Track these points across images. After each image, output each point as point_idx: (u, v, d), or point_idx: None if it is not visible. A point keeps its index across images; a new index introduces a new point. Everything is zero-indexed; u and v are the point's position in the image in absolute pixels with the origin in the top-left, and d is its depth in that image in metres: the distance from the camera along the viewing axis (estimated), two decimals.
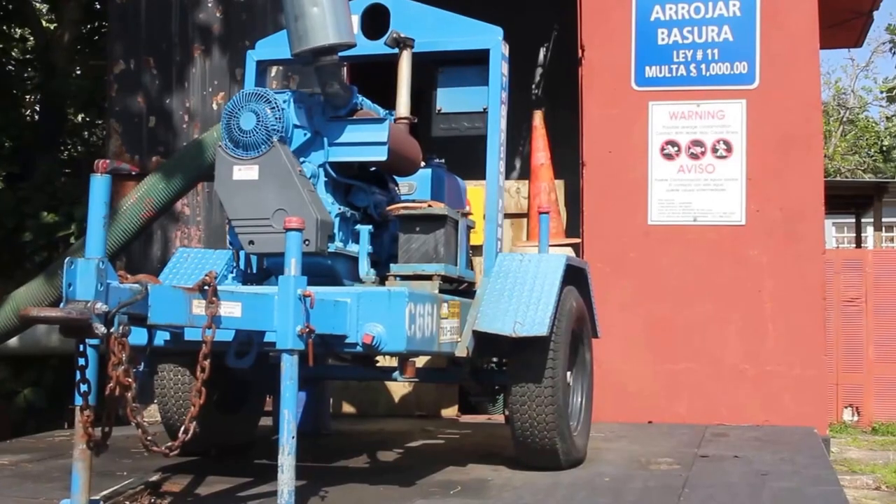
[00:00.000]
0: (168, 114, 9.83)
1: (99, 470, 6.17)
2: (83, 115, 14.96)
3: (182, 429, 4.86)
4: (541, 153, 10.06)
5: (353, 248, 6.28)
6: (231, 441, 7.18)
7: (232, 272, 6.43)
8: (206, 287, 4.87)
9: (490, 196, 6.69)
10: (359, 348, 5.56)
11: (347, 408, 9.47)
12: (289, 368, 5.16)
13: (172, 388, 6.85)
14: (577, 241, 9.51)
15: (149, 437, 4.74)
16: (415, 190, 7.11)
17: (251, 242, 6.00)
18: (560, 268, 6.43)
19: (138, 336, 4.90)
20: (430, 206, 6.36)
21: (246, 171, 5.99)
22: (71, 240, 11.89)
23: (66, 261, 4.49)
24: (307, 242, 5.78)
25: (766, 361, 9.35)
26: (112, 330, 4.44)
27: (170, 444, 4.81)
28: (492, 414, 9.52)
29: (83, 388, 4.66)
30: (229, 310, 5.05)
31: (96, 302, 4.40)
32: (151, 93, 9.89)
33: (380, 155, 6.18)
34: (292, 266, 5.22)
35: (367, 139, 6.19)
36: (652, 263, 9.50)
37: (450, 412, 9.41)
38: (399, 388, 9.35)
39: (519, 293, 6.30)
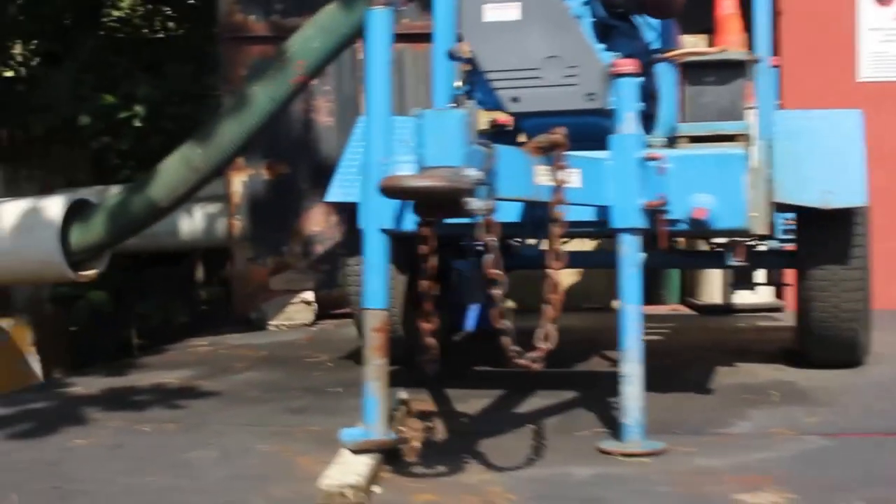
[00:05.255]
0: None
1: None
2: None
3: (542, 334, 3.71)
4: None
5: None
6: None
7: None
8: (555, 148, 3.69)
9: (760, 38, 5.49)
10: (683, 226, 4.42)
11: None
12: (632, 252, 4.04)
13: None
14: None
15: (516, 348, 3.60)
16: None
17: (515, 100, 4.79)
18: (858, 125, 5.33)
19: None
20: (724, 49, 5.16)
21: (503, 11, 4.73)
22: (134, 122, 10.58)
23: (416, 113, 3.31)
24: (592, 96, 4.62)
25: None
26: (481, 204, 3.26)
27: (532, 354, 3.66)
28: (669, 303, 8.43)
29: (427, 284, 3.51)
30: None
31: (466, 168, 3.22)
32: None
33: None
34: (629, 122, 4.07)
35: None
36: None
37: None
38: (563, 277, 8.19)
39: (819, 157, 5.18)
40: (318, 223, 7.91)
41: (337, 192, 5.61)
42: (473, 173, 3.20)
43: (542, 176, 3.71)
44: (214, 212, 9.14)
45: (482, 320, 6.73)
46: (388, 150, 3.90)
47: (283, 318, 7.60)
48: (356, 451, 3.80)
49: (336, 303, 7.81)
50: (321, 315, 7.82)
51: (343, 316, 7.72)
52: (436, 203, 3.25)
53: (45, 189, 9.93)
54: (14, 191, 10.29)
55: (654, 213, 4.15)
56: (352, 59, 7.93)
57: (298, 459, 4.07)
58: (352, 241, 5.75)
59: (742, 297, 7.61)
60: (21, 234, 6.59)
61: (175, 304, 11.17)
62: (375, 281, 3.88)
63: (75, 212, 6.64)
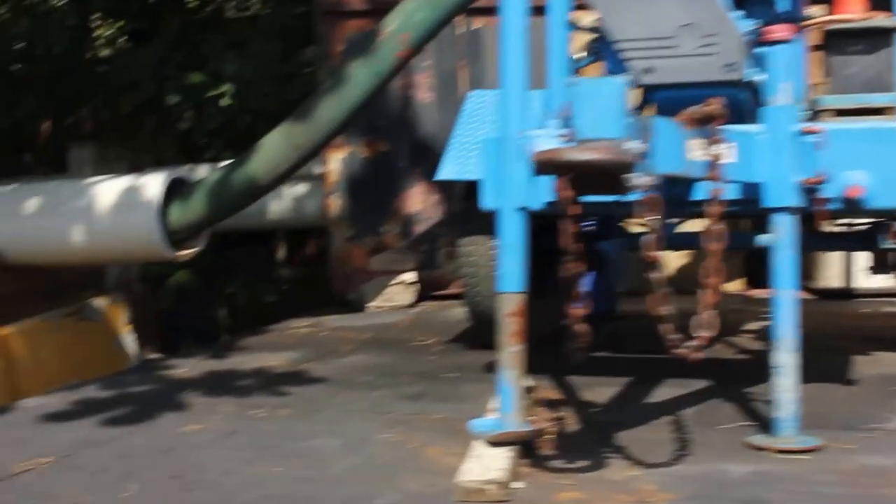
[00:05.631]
0: None
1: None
2: None
3: (700, 321, 3.44)
4: None
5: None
6: (541, 329, 5.79)
7: None
8: (711, 120, 3.41)
9: None
10: (836, 205, 4.11)
11: None
12: (788, 234, 3.75)
13: (484, 264, 5.46)
14: None
15: (677, 336, 3.33)
16: None
17: (648, 71, 4.49)
18: None
19: None
20: (869, 16, 4.82)
21: None
22: (223, 101, 10.43)
23: (570, 82, 3.06)
24: (731, 67, 4.32)
25: None
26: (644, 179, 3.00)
27: (694, 343, 3.39)
28: None
29: (575, 266, 3.26)
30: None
31: (627, 140, 2.96)
32: None
33: None
34: (784, 92, 3.77)
35: None
36: None
37: (733, 287, 7.97)
38: (671, 260, 7.89)
39: None
40: (418, 202, 7.68)
41: (449, 169, 5.37)
42: (636, 146, 2.94)
43: (696, 150, 3.44)
44: (304, 191, 8.97)
45: (594, 303, 6.49)
46: (525, 124, 3.67)
47: (382, 299, 7.39)
48: (492, 444, 3.58)
49: (436, 284, 7.59)
50: (421, 296, 7.58)
51: (444, 297, 7.50)
52: (595, 178, 3.00)
53: (134, 169, 9.82)
54: (103, 170, 10.20)
55: (808, 191, 3.85)
56: (451, 33, 7.67)
57: (426, 450, 3.85)
58: (465, 220, 5.54)
59: (864, 282, 7.26)
60: (120, 213, 6.44)
61: (263, 284, 11.04)
62: (512, 262, 3.65)
63: (174, 190, 6.47)
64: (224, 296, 11.05)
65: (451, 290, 7.52)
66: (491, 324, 5.65)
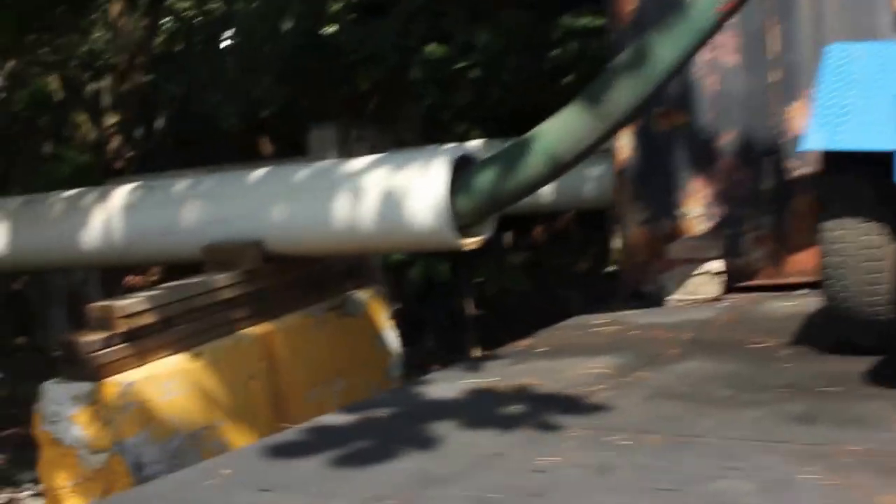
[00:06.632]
0: None
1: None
2: None
3: None
4: None
5: None
6: None
7: None
8: None
9: None
10: None
11: None
12: None
13: (854, 252, 4.49)
14: None
15: None
16: None
17: None
18: None
19: None
20: None
21: None
22: (472, 73, 9.70)
23: None
24: None
25: None
26: None
27: None
28: None
29: None
30: None
31: None
32: None
33: None
34: None
35: None
36: None
37: None
38: None
39: None
40: (721, 180, 6.70)
41: (820, 137, 4.43)
42: None
43: None
44: (582, 170, 8.12)
45: None
46: None
47: (684, 291, 6.45)
48: None
49: (744, 273, 6.62)
50: (728, 288, 6.60)
51: (754, 289, 6.54)
52: None
53: (374, 150, 9.20)
54: (346, 152, 9.64)
55: None
56: None
57: (879, 500, 2.94)
58: (831, 200, 4.59)
59: None
60: (397, 197, 5.71)
61: (516, 272, 10.29)
62: None
63: (455, 170, 5.72)
64: (473, 286, 10.37)
65: (762, 281, 6.57)
66: (861, 323, 4.73)
